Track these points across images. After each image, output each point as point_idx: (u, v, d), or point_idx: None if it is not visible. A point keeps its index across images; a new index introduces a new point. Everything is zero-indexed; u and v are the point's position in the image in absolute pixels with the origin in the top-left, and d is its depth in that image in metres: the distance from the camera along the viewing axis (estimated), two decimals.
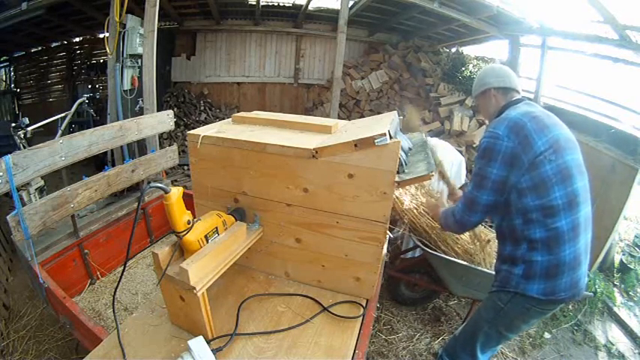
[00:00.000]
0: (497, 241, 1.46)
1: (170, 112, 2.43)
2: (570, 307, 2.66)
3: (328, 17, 6.18)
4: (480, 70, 1.38)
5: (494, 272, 1.45)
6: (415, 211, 1.97)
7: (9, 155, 1.52)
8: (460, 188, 2.07)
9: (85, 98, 3.20)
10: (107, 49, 3.25)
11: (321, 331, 1.16)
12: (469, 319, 1.64)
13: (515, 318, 1.34)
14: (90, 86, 5.42)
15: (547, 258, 1.23)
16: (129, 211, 2.28)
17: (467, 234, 2.06)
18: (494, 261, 1.50)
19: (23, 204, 1.69)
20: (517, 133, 1.24)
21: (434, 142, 3.38)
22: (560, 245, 1.22)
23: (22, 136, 2.53)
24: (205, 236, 1.08)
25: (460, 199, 1.42)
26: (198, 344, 0.99)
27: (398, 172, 1.19)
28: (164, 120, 2.38)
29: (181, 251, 1.08)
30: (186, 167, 4.53)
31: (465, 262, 1.86)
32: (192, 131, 1.33)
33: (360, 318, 1.22)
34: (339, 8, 4.35)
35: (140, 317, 1.21)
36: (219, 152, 1.28)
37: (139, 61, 3.36)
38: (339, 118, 5.34)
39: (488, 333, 1.40)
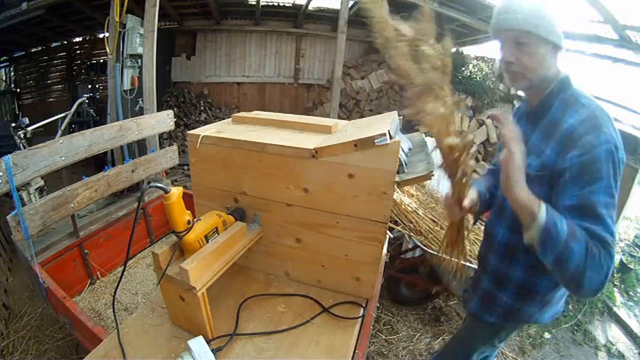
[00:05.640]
0: (495, 255, 1.16)
1: (170, 112, 2.43)
2: (570, 307, 2.66)
3: (328, 17, 6.18)
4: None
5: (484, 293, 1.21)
6: (414, 214, 1.97)
7: (9, 155, 1.52)
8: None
9: (85, 98, 3.20)
10: (107, 49, 3.25)
11: (321, 331, 1.16)
12: (457, 340, 1.49)
13: (512, 332, 1.31)
14: (90, 86, 5.42)
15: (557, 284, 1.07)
16: (129, 211, 2.27)
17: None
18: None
19: (23, 204, 1.69)
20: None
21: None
22: None
23: (22, 136, 2.53)
24: (205, 236, 1.08)
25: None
26: (198, 344, 0.99)
27: (398, 172, 1.19)
28: (164, 120, 2.38)
29: (181, 251, 1.08)
30: (186, 167, 4.53)
31: (464, 262, 1.86)
32: (192, 131, 1.33)
33: (360, 318, 1.22)
34: (339, 8, 4.35)
35: (140, 317, 1.21)
36: (219, 152, 1.28)
37: (139, 61, 3.37)
38: (339, 118, 5.34)
39: (483, 350, 1.35)
